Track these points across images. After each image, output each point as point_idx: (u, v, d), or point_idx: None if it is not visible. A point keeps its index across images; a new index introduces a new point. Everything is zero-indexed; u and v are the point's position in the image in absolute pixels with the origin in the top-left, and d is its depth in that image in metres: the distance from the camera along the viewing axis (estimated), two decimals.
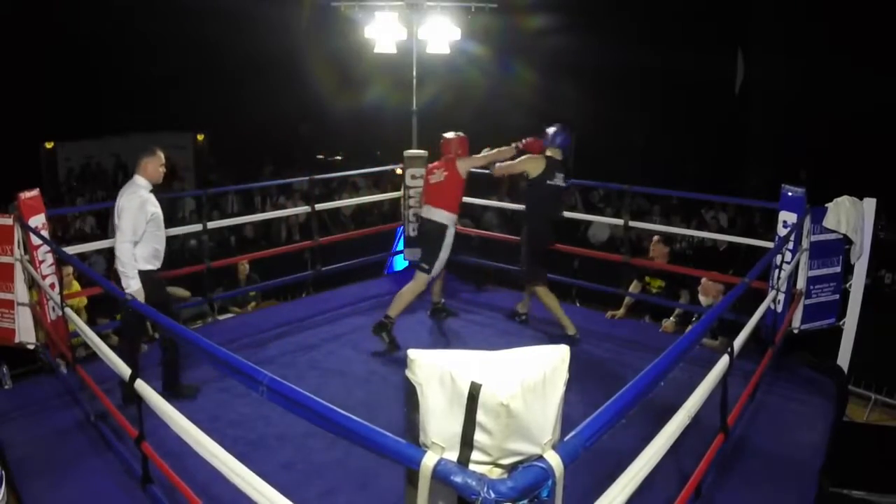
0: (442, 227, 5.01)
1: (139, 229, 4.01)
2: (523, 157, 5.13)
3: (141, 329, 4.47)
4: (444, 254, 5.03)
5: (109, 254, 6.38)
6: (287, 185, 12.63)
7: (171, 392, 4.10)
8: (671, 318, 5.64)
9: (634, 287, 6.01)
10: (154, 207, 4.12)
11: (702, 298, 5.45)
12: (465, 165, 5.12)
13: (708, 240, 8.99)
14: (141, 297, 3.92)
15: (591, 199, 12.25)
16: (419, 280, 5.07)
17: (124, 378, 2.91)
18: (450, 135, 5.28)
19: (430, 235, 5.10)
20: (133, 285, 3.96)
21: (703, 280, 5.46)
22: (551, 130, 5.18)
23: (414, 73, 6.49)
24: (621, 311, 5.89)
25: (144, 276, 4.06)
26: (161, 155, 4.22)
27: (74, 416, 4.03)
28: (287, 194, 12.47)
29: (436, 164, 5.26)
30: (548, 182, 5.07)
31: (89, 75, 15.90)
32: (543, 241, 5.32)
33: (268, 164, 15.94)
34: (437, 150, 5.82)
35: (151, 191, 4.16)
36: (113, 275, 5.35)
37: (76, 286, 5.08)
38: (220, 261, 6.07)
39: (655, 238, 6.04)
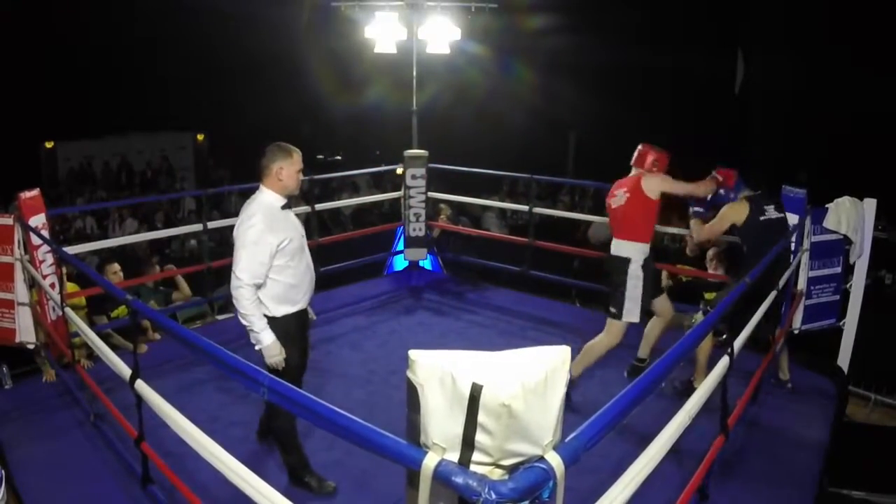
0: (623, 262, 4.08)
1: (260, 268, 2.94)
2: (724, 212, 4.25)
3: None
4: (633, 293, 4.06)
5: (108, 253, 6.36)
6: None
7: (296, 480, 3.20)
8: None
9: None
10: (280, 236, 2.97)
11: (710, 270, 5.43)
12: (655, 185, 4.06)
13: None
14: (277, 355, 3.02)
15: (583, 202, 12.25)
16: (611, 329, 4.16)
17: (125, 378, 2.90)
18: (646, 148, 4.22)
19: (609, 272, 4.22)
20: (264, 339, 2.99)
21: (710, 252, 5.42)
22: (731, 179, 4.37)
23: (414, 73, 6.49)
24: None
25: (278, 324, 3.07)
26: (298, 157, 3.09)
27: (74, 416, 4.02)
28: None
29: (620, 181, 4.25)
30: (760, 219, 4.18)
31: (89, 75, 15.90)
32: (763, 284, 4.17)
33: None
34: (437, 150, 5.82)
35: (285, 206, 3.08)
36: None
37: (71, 287, 5.06)
38: (220, 261, 6.06)
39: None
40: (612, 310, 4.13)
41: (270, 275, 3.00)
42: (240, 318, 3.02)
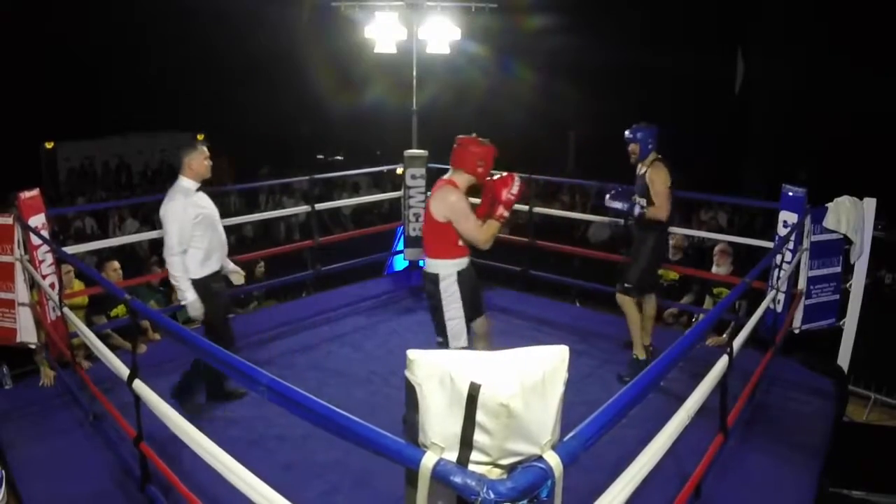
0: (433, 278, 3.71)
1: (185, 237, 3.75)
2: (654, 177, 4.36)
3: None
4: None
5: (108, 252, 6.36)
6: (287, 185, 12.65)
7: (181, 399, 3.90)
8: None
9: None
10: (199, 208, 3.83)
11: (716, 269, 5.43)
12: (445, 209, 3.57)
13: (708, 240, 9.00)
14: (198, 309, 3.80)
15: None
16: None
17: (123, 378, 2.91)
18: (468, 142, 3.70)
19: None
20: (188, 297, 3.78)
21: (717, 248, 5.43)
22: (642, 134, 4.48)
23: (414, 73, 6.49)
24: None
25: (200, 284, 3.85)
26: (204, 148, 3.90)
27: (74, 416, 4.03)
28: (289, 193, 12.48)
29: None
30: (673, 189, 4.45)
31: (89, 75, 15.92)
32: (663, 256, 4.88)
33: (263, 164, 15.94)
34: (437, 150, 5.77)
35: (199, 188, 3.88)
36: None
37: (78, 285, 5.07)
38: None
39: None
40: (438, 338, 3.80)
41: (192, 244, 3.78)
42: (171, 279, 3.83)
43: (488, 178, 3.65)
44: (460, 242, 3.61)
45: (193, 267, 3.83)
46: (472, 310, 3.79)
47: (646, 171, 4.44)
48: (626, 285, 4.57)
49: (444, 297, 3.65)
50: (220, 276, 4.05)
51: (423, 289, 3.82)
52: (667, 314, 5.48)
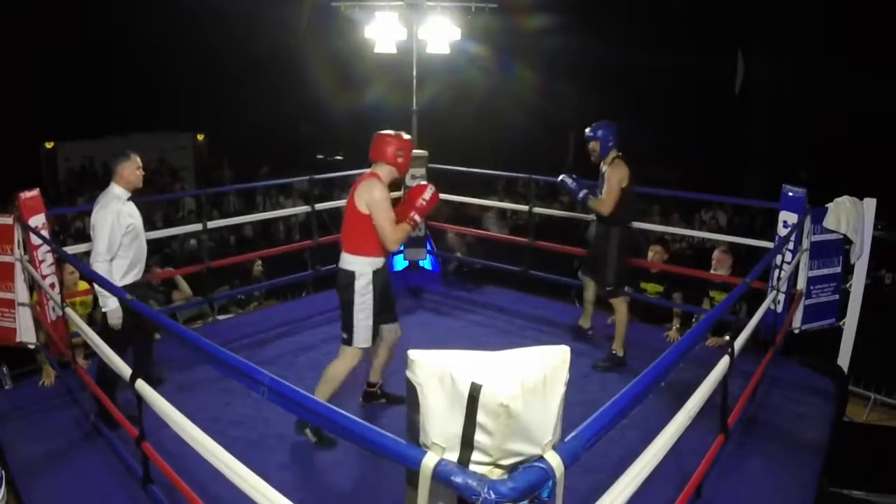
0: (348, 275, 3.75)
1: (114, 245, 3.77)
2: (614, 166, 4.51)
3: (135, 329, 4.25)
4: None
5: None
6: (286, 185, 12.65)
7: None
8: (674, 327, 5.45)
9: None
10: (130, 218, 3.86)
11: (713, 269, 5.45)
12: (369, 199, 3.62)
13: (707, 240, 9.00)
14: (119, 317, 3.72)
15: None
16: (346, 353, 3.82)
17: (125, 378, 2.91)
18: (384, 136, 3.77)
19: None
20: (111, 304, 3.72)
21: (716, 252, 5.44)
22: (602, 132, 4.59)
23: (414, 73, 6.49)
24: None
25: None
26: (136, 158, 3.93)
27: (74, 416, 4.03)
28: (286, 194, 12.48)
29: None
30: (632, 187, 4.61)
31: (89, 75, 15.91)
32: (629, 250, 4.92)
33: (263, 164, 15.93)
34: (437, 150, 5.82)
35: (130, 198, 3.92)
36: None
37: (83, 285, 5.06)
38: (220, 261, 6.07)
39: (655, 248, 5.84)
40: (344, 335, 3.79)
41: (119, 253, 3.80)
42: (96, 286, 3.84)
43: (409, 188, 3.76)
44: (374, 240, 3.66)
45: (117, 276, 3.82)
46: (384, 312, 3.83)
47: (606, 170, 4.58)
48: (608, 289, 4.73)
49: (356, 296, 3.69)
50: (139, 287, 3.98)
51: (336, 284, 3.82)
52: (673, 333, 5.44)
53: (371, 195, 3.58)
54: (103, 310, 3.79)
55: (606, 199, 4.53)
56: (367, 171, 3.77)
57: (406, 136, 3.78)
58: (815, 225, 4.64)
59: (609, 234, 4.66)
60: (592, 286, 5.11)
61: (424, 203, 3.70)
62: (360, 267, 3.68)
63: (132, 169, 3.89)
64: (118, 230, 3.77)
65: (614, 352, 4.78)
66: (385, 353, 4.05)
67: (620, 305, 4.76)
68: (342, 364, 3.75)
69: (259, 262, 7.08)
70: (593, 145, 4.62)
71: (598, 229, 4.82)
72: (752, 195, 10.38)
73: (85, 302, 5.05)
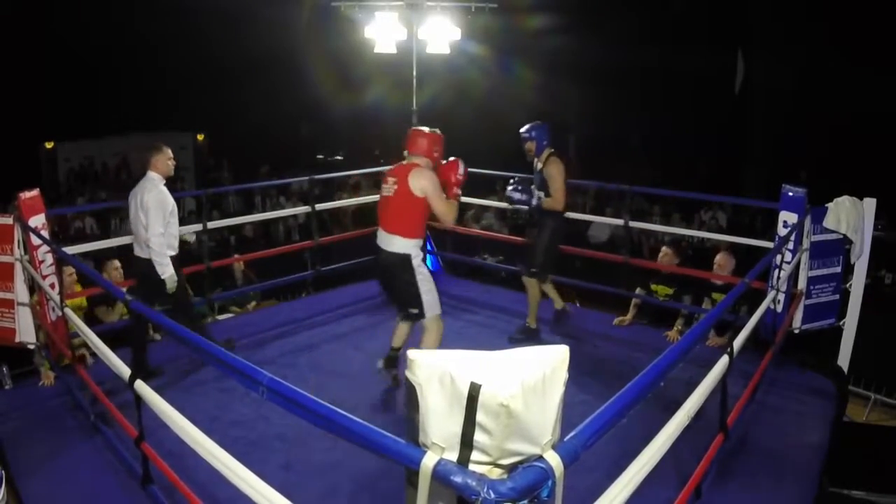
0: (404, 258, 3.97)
1: (164, 220, 4.30)
2: (552, 172, 4.95)
3: (144, 327, 4.60)
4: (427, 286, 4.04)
5: (107, 253, 6.36)
6: (286, 186, 12.66)
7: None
8: (675, 328, 5.44)
9: (638, 293, 5.88)
10: (171, 199, 4.40)
11: (716, 270, 5.45)
12: (423, 186, 3.90)
13: (708, 240, 9.01)
14: (174, 282, 4.36)
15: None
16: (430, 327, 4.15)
17: (124, 379, 2.91)
18: (419, 132, 4.11)
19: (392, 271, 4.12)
20: (168, 271, 4.33)
21: (718, 256, 5.43)
22: (536, 132, 5.08)
23: (414, 73, 6.49)
24: (629, 318, 5.67)
25: (173, 262, 4.42)
26: (168, 150, 4.42)
27: (74, 416, 4.03)
28: (286, 195, 12.49)
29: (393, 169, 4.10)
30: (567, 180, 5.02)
31: (89, 75, 15.92)
32: (562, 239, 5.31)
33: (263, 164, 15.95)
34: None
35: (164, 185, 4.39)
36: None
37: (78, 288, 5.07)
38: (220, 261, 6.07)
39: (665, 250, 5.78)
40: (413, 310, 4.03)
41: (166, 230, 4.30)
42: (154, 257, 4.27)
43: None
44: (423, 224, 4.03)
45: (167, 248, 4.36)
46: None
47: (542, 167, 5.00)
48: (532, 270, 5.16)
49: (417, 274, 3.98)
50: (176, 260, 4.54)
51: (382, 264, 4.04)
52: (673, 333, 5.42)
53: (426, 181, 3.90)
54: (162, 277, 4.32)
55: (557, 196, 4.93)
56: (405, 162, 4.06)
57: (438, 132, 4.10)
58: (815, 225, 4.64)
59: (544, 224, 5.08)
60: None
61: (461, 177, 4.07)
62: (414, 249, 4.00)
63: (164, 160, 4.37)
64: (166, 206, 4.31)
65: (528, 325, 5.21)
66: (407, 323, 4.35)
67: (533, 288, 5.14)
68: (431, 336, 4.07)
69: (241, 263, 7.00)
70: (529, 145, 5.10)
71: (539, 219, 5.17)
72: (752, 195, 10.37)
73: (82, 305, 5.06)
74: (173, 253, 4.43)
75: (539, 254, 5.12)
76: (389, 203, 3.97)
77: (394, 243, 3.97)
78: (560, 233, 5.19)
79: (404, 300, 4.06)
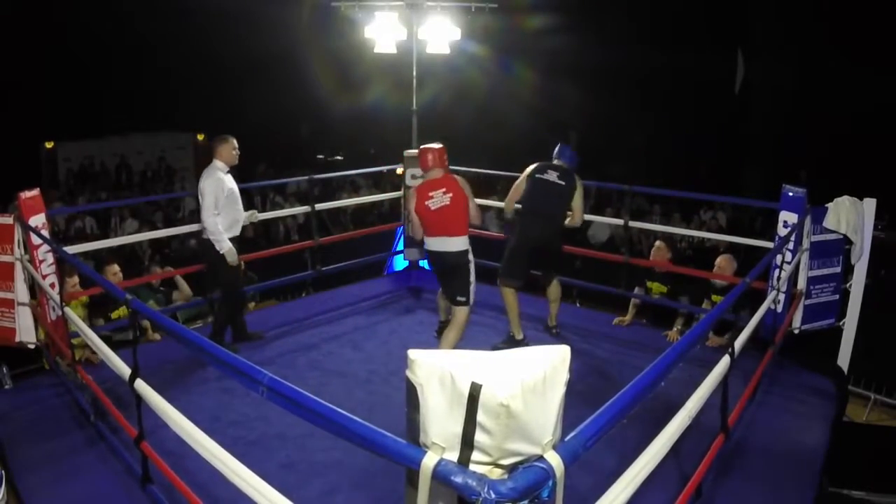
0: (465, 254, 4.57)
1: (219, 203, 4.65)
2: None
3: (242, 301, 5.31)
4: (473, 277, 4.64)
5: (107, 253, 6.36)
6: (283, 186, 12.66)
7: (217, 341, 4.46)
8: (675, 328, 5.44)
9: (637, 293, 5.89)
10: (230, 184, 4.76)
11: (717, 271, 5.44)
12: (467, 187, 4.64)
13: (708, 240, 9.00)
14: (233, 256, 4.74)
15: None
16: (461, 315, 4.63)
17: (124, 378, 2.91)
18: (428, 148, 4.65)
19: (455, 268, 4.63)
20: (225, 246, 4.69)
21: (719, 258, 5.43)
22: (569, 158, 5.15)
23: (414, 73, 6.48)
24: (628, 318, 5.66)
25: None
26: (233, 141, 4.83)
27: (74, 416, 4.03)
28: (283, 195, 12.48)
29: (431, 183, 4.56)
30: (536, 176, 4.93)
31: (89, 75, 15.91)
32: (528, 239, 4.98)
33: (261, 163, 15.91)
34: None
35: (228, 172, 4.80)
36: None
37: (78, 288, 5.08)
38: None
39: (658, 244, 5.88)
40: (461, 298, 4.60)
41: (221, 211, 4.70)
42: (210, 236, 4.69)
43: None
44: None
45: (224, 228, 4.71)
46: None
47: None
48: (499, 277, 5.15)
49: (471, 267, 4.59)
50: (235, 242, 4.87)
51: (446, 263, 4.59)
52: (673, 333, 5.41)
53: (468, 187, 4.56)
54: (221, 252, 4.69)
55: (578, 213, 5.02)
56: (437, 176, 4.56)
57: (440, 145, 4.65)
58: (815, 225, 4.64)
59: (512, 230, 5.20)
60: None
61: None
62: (468, 245, 4.59)
63: (228, 150, 4.80)
64: (221, 192, 4.66)
65: (512, 335, 5.08)
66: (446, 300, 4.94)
67: (506, 294, 5.04)
68: (462, 315, 4.61)
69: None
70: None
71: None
72: (752, 195, 10.37)
73: (83, 302, 5.06)
74: (231, 235, 4.78)
75: (503, 259, 5.10)
76: (448, 211, 4.48)
77: (458, 244, 4.53)
78: (523, 236, 4.97)
79: (458, 290, 4.59)
